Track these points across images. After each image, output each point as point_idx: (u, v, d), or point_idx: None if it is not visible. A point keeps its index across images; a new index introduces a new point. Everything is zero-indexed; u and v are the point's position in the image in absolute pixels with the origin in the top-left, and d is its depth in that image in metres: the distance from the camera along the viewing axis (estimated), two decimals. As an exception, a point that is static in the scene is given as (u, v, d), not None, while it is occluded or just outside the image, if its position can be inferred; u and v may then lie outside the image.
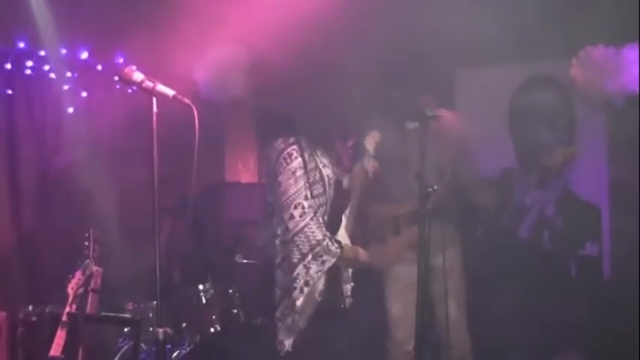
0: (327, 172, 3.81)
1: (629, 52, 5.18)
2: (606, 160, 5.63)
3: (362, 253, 3.95)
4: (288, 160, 3.70)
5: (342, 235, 3.95)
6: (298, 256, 3.65)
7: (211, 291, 5.14)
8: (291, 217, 3.65)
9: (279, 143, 3.76)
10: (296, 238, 3.65)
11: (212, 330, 5.05)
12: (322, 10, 4.80)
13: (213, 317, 5.08)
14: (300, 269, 3.65)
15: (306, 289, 3.65)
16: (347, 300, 3.96)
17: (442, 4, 5.26)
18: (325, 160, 3.84)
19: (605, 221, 5.65)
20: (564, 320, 5.39)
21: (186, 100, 3.12)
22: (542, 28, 5.35)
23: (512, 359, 5.54)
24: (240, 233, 5.28)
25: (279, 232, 3.75)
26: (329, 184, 3.80)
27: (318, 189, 3.75)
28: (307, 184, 3.69)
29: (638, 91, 5.20)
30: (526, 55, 5.67)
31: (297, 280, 3.64)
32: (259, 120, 3.95)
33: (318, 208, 3.73)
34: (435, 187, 3.69)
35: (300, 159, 3.71)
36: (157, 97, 3.11)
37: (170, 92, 3.14)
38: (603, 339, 5.24)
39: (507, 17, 5.18)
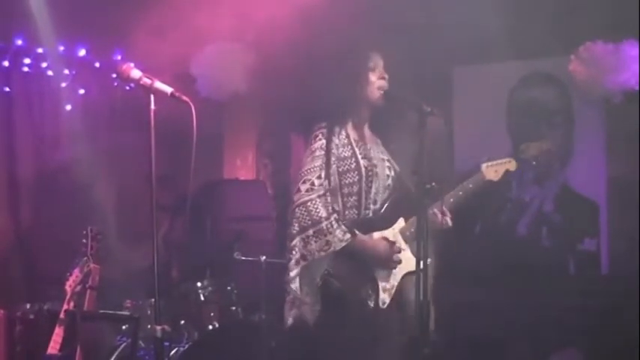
0: (365, 163, 3.76)
1: (629, 49, 5.18)
2: (605, 156, 5.62)
3: (383, 250, 3.70)
4: (312, 142, 3.68)
5: (393, 235, 3.83)
6: (297, 229, 3.60)
7: (210, 288, 5.13)
8: (298, 190, 3.61)
9: (315, 127, 3.74)
10: (297, 210, 3.60)
11: (210, 327, 5.05)
12: (318, 5, 4.79)
13: (212, 314, 5.08)
14: (297, 242, 3.60)
15: (302, 263, 3.60)
16: (381, 299, 3.80)
17: (441, 1, 5.26)
18: (370, 153, 3.81)
19: (603, 217, 5.65)
20: (563, 316, 5.38)
21: (185, 97, 3.11)
22: (540, 25, 5.35)
23: (511, 355, 5.54)
24: (239, 230, 5.26)
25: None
26: (367, 175, 3.74)
27: (350, 177, 3.70)
28: (324, 166, 3.65)
29: (637, 87, 5.20)
30: (524, 52, 5.66)
31: (294, 252, 3.61)
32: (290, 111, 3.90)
33: (348, 196, 3.69)
34: (434, 183, 3.65)
35: (323, 141, 3.68)
36: (154, 94, 3.10)
37: (168, 89, 3.12)
38: (602, 334, 5.24)
39: (506, 14, 5.18)
